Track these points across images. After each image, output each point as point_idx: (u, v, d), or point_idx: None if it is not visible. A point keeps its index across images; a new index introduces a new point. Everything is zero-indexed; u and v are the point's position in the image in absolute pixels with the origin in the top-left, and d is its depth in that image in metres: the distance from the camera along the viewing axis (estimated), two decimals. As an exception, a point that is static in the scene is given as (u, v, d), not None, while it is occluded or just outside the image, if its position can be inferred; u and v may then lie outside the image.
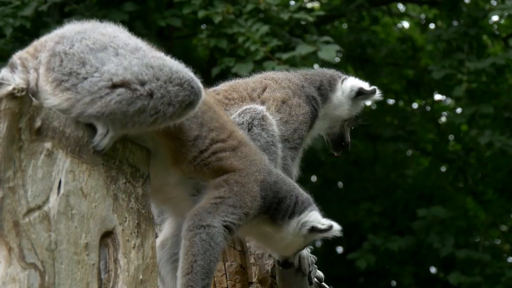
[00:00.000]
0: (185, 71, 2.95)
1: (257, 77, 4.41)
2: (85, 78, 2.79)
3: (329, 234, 3.51)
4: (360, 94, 4.42)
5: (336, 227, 3.49)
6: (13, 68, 2.84)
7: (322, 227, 3.47)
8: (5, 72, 2.84)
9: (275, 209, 3.40)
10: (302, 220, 3.44)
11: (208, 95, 3.36)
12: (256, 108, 3.99)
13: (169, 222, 3.47)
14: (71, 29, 2.97)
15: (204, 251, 3.07)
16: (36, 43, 2.94)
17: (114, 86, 2.79)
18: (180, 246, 3.18)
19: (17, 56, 2.89)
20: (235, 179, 3.23)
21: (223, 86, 4.27)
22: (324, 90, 4.42)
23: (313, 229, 3.45)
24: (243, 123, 3.89)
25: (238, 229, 3.25)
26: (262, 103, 4.14)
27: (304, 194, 3.52)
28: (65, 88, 2.78)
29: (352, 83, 4.44)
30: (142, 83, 2.82)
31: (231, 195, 3.19)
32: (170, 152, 3.12)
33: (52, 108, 2.74)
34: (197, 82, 2.96)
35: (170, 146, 3.10)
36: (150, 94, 2.82)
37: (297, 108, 4.22)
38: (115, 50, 2.87)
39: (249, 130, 3.87)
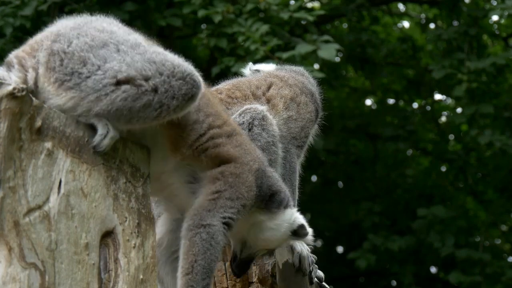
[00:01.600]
0: (186, 65, 2.99)
1: (260, 75, 4.40)
2: (88, 77, 2.80)
3: (307, 240, 3.57)
4: None
5: (311, 236, 3.54)
6: (9, 66, 2.84)
7: (309, 229, 3.51)
8: (1, 71, 2.83)
9: (269, 199, 3.40)
10: (296, 215, 3.48)
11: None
12: (256, 108, 3.98)
13: (161, 220, 3.46)
14: (65, 25, 2.96)
15: (205, 250, 3.08)
16: (31, 41, 2.93)
17: (119, 83, 2.81)
18: (177, 243, 3.19)
19: (14, 55, 2.88)
20: (230, 170, 3.24)
21: (226, 84, 4.26)
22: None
23: (300, 228, 3.47)
24: (243, 123, 3.88)
25: (236, 223, 3.25)
26: (268, 101, 4.14)
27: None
28: (68, 87, 2.78)
29: None
30: (146, 79, 2.85)
31: (226, 187, 3.20)
32: (169, 140, 3.13)
33: (56, 108, 2.74)
34: (198, 75, 3.01)
35: (169, 134, 3.11)
36: (155, 89, 2.85)
37: (305, 106, 4.24)
38: (115, 46, 2.89)
39: (249, 130, 3.86)
